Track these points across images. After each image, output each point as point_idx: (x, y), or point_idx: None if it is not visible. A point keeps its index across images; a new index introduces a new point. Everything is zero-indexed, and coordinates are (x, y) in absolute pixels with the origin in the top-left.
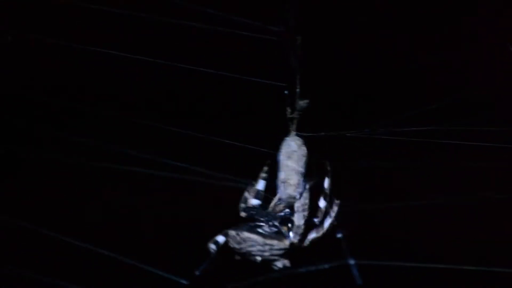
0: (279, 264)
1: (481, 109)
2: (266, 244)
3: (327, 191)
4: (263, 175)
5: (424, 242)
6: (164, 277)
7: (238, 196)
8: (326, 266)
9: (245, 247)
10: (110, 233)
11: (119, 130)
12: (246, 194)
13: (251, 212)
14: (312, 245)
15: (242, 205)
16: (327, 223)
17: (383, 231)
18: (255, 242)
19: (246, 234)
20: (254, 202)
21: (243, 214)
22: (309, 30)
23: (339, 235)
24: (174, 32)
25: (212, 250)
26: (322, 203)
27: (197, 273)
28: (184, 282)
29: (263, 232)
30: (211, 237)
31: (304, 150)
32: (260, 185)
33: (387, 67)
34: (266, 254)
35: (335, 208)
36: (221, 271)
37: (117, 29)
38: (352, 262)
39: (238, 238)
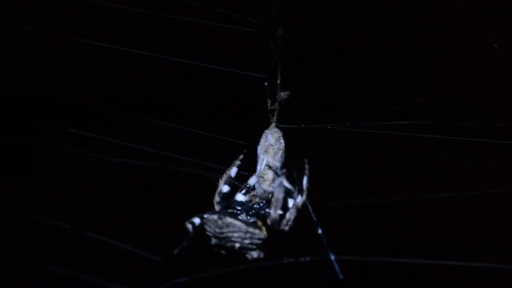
0: (254, 254)
1: (465, 104)
2: (248, 232)
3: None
4: (237, 162)
5: (408, 237)
6: (138, 254)
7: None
8: (308, 258)
9: (226, 232)
10: (96, 215)
11: (109, 123)
12: (219, 180)
13: (225, 202)
14: (294, 239)
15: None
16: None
17: (365, 227)
18: (237, 229)
19: (229, 220)
20: (225, 188)
21: (216, 199)
22: (291, 21)
23: (319, 231)
24: (153, 23)
25: (189, 229)
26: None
27: (175, 252)
28: (156, 259)
29: (245, 220)
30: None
31: (282, 143)
32: (232, 172)
33: (371, 59)
34: (246, 241)
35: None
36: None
37: (102, 22)
38: (332, 257)
39: (220, 222)
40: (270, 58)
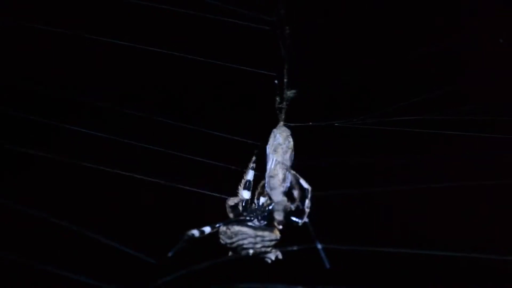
0: (272, 256)
1: (471, 99)
2: (258, 236)
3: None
4: (252, 165)
5: (402, 228)
6: (134, 256)
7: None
8: (295, 248)
9: (236, 240)
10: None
11: (110, 121)
12: (233, 199)
13: (238, 211)
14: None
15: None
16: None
17: (355, 216)
18: (246, 235)
19: (236, 228)
20: (245, 194)
21: (230, 214)
22: (299, 20)
23: (306, 220)
24: (165, 19)
25: (190, 234)
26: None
27: (169, 254)
28: (152, 261)
29: (253, 225)
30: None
31: (290, 142)
32: (249, 176)
33: (377, 57)
34: (258, 246)
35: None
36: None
37: (105, 15)
38: (319, 246)
39: (228, 232)
40: (279, 56)
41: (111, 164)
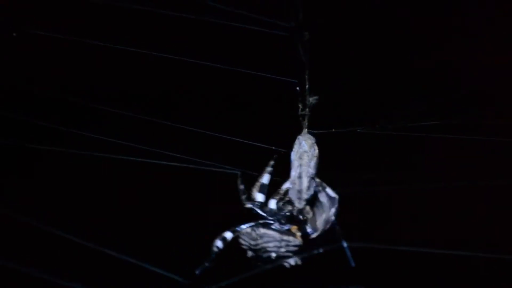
0: (292, 261)
1: (491, 103)
2: (283, 240)
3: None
4: (269, 169)
5: (421, 226)
6: (163, 275)
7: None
8: (321, 250)
9: (261, 243)
10: (111, 228)
11: (128, 125)
12: (252, 188)
13: (258, 209)
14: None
15: (243, 197)
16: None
17: (379, 215)
18: (272, 238)
19: (262, 230)
20: (259, 196)
21: (248, 205)
22: (318, 25)
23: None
24: (186, 27)
25: (215, 249)
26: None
27: (197, 272)
28: (182, 280)
29: (277, 229)
30: (216, 234)
31: (315, 150)
32: (265, 179)
33: (397, 62)
34: (282, 250)
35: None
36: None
37: (125, 23)
38: (345, 245)
39: (254, 234)
40: (300, 63)
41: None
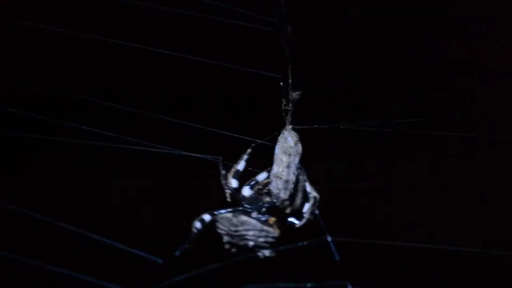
0: (266, 252)
1: (475, 102)
2: (263, 230)
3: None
4: (245, 156)
5: (406, 222)
6: (141, 256)
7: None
8: (305, 243)
9: (241, 230)
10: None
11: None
12: (228, 174)
13: (233, 195)
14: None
15: (224, 182)
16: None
17: (362, 210)
18: (252, 227)
19: (244, 218)
20: (233, 182)
21: (226, 191)
22: (301, 19)
23: (316, 213)
24: (169, 21)
25: (195, 230)
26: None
27: (176, 253)
28: (159, 261)
29: (258, 218)
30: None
31: (300, 147)
32: (240, 165)
33: (382, 56)
34: (261, 240)
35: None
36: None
37: (112, 18)
38: (329, 239)
39: (234, 220)
40: (283, 57)
41: (115, 164)
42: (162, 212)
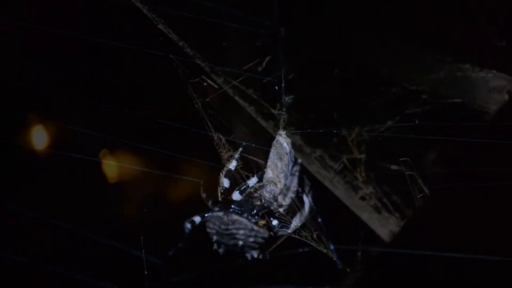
0: (254, 254)
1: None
2: (254, 230)
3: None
4: (236, 156)
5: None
6: (140, 256)
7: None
8: (306, 249)
9: (231, 228)
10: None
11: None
12: (220, 174)
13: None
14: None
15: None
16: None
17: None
18: (244, 226)
19: (235, 217)
20: (225, 182)
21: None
22: (294, 22)
23: (319, 221)
24: (163, 22)
25: (187, 230)
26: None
27: (170, 253)
28: (159, 262)
29: (248, 218)
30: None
31: (293, 153)
32: (232, 165)
33: (375, 59)
34: (251, 240)
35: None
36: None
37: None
38: (332, 247)
39: (225, 219)
40: (278, 61)
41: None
42: (162, 212)
